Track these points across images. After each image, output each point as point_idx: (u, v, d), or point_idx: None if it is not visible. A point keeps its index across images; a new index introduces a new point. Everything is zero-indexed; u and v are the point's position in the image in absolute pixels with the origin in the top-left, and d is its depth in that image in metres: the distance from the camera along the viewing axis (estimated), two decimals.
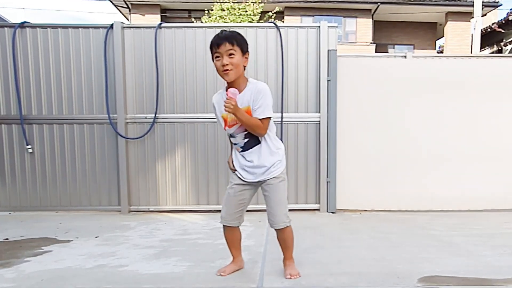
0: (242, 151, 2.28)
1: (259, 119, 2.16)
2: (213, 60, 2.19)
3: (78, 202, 4.36)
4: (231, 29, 2.22)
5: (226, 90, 2.18)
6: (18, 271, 2.52)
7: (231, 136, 2.30)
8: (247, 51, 2.21)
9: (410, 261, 2.66)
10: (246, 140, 2.24)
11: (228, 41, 2.11)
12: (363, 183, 4.35)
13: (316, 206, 4.36)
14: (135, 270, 2.52)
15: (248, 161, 2.27)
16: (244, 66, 2.20)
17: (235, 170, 2.34)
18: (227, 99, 2.10)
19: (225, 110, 2.12)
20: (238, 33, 2.18)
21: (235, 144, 2.31)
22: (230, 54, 2.12)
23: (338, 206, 4.33)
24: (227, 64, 2.11)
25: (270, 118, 2.21)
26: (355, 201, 4.37)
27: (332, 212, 4.29)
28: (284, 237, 2.36)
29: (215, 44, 2.13)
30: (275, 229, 2.34)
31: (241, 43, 2.16)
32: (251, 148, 2.25)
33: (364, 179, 4.35)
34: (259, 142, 2.25)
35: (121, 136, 4.25)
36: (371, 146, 4.34)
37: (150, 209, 4.37)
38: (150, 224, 3.82)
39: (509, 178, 4.38)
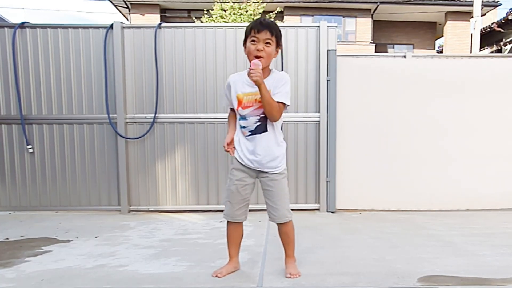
0: (249, 135, 2.27)
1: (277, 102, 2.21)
2: (245, 43, 2.25)
3: (77, 202, 4.36)
4: (270, 19, 2.28)
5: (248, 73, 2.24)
6: (18, 271, 2.53)
7: (242, 118, 2.29)
8: (281, 45, 2.29)
9: (410, 261, 2.66)
10: (258, 124, 2.25)
11: (269, 29, 2.17)
12: (363, 182, 4.35)
13: (315, 206, 4.37)
14: (135, 270, 2.52)
15: (252, 145, 2.27)
16: (273, 58, 2.27)
17: (233, 152, 2.33)
18: (251, 69, 2.11)
19: (252, 80, 2.11)
20: (277, 25, 2.26)
21: (243, 127, 2.30)
22: (267, 43, 2.18)
23: (338, 206, 4.34)
24: (261, 50, 2.16)
25: (285, 105, 2.24)
26: (355, 201, 4.37)
27: (332, 212, 4.29)
28: (286, 231, 2.37)
29: (256, 29, 2.17)
30: (278, 224, 2.35)
31: (278, 36, 2.24)
32: (260, 133, 2.26)
33: (364, 179, 4.35)
34: (266, 130, 2.27)
35: (121, 136, 4.25)
36: (371, 146, 4.34)
37: (150, 209, 4.37)
38: (150, 224, 3.82)
39: (508, 178, 4.39)
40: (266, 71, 2.26)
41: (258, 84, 2.12)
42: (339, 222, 3.87)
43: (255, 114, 2.24)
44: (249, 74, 2.15)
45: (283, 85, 2.23)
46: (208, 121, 4.30)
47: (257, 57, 2.17)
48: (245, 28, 2.26)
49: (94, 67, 4.26)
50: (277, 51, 2.27)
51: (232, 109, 2.40)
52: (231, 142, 2.36)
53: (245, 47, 2.26)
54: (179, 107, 4.31)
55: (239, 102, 2.27)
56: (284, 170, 2.35)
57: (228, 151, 2.35)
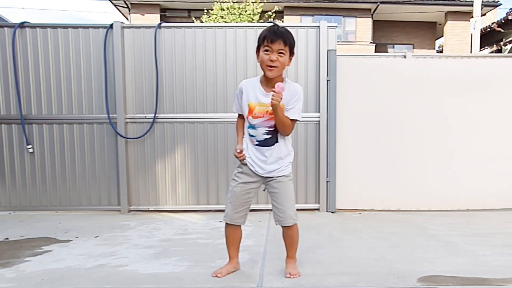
0: (257, 145, 2.28)
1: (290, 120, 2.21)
2: (258, 51, 2.22)
3: (77, 202, 4.36)
4: (283, 27, 2.24)
5: (261, 81, 2.25)
6: (18, 271, 2.53)
7: (251, 127, 2.28)
8: (294, 53, 2.25)
9: (410, 260, 2.66)
10: (267, 136, 2.25)
11: (283, 39, 2.14)
12: (363, 182, 4.35)
13: (315, 205, 4.37)
14: (135, 270, 2.52)
15: (262, 155, 2.27)
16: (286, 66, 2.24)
17: (244, 159, 2.31)
18: (276, 92, 2.11)
19: (272, 104, 2.12)
20: (291, 34, 2.21)
21: (251, 136, 2.29)
22: (280, 53, 2.15)
23: (338, 206, 4.34)
24: (275, 61, 2.14)
25: (297, 121, 2.25)
26: (355, 201, 4.37)
27: (332, 212, 4.29)
28: (291, 234, 2.38)
29: (269, 39, 2.13)
30: (283, 226, 2.35)
31: (292, 45, 2.21)
32: (269, 146, 2.26)
33: (364, 179, 4.35)
34: (277, 141, 2.27)
35: (121, 136, 4.25)
36: (371, 146, 4.34)
37: (150, 209, 4.37)
38: (150, 224, 3.82)
39: (508, 178, 4.39)
40: (279, 80, 2.24)
41: (275, 108, 2.12)
42: (339, 222, 3.87)
43: (265, 126, 2.24)
44: (271, 89, 2.15)
45: (297, 100, 2.23)
46: (208, 121, 4.30)
47: (270, 67, 2.15)
48: (259, 35, 2.21)
49: (94, 67, 4.26)
50: (291, 59, 2.25)
51: (240, 115, 2.39)
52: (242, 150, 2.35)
53: (257, 55, 2.23)
54: (179, 107, 4.31)
55: (250, 111, 2.25)
56: (289, 173, 2.36)
57: (242, 158, 2.32)
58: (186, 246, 3.07)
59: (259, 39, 2.20)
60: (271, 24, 2.21)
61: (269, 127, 2.23)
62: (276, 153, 2.28)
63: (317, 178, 4.34)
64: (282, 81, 2.24)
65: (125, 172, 4.27)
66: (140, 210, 4.38)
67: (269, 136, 2.25)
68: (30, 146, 4.26)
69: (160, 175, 4.36)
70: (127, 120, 4.28)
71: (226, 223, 2.40)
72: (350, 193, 4.36)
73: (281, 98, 2.12)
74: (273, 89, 2.12)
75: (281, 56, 2.15)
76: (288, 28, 2.23)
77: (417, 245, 3.04)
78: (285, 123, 2.19)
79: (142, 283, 2.31)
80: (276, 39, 2.12)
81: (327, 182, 4.29)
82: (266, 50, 2.15)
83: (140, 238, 3.32)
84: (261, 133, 2.25)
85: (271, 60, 2.14)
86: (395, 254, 2.80)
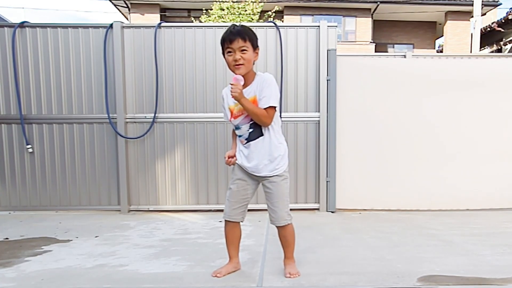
0: (246, 142, 2.29)
1: (265, 109, 2.20)
2: (223, 55, 2.23)
3: (77, 201, 4.36)
4: (241, 24, 2.27)
5: None
6: (18, 270, 2.53)
7: (236, 128, 2.32)
8: (258, 46, 2.26)
9: (410, 260, 2.66)
10: (250, 130, 2.26)
11: (241, 37, 2.15)
12: (363, 182, 4.35)
13: (315, 205, 4.37)
14: (135, 270, 2.52)
15: (251, 151, 2.28)
16: (254, 61, 2.25)
17: (235, 160, 2.34)
18: (232, 84, 2.14)
19: (232, 96, 2.15)
20: (249, 29, 2.22)
21: (239, 136, 2.32)
22: (243, 50, 2.17)
23: (338, 206, 4.34)
24: (239, 59, 2.16)
25: (275, 107, 2.23)
26: (355, 201, 4.37)
27: (332, 212, 4.29)
28: (285, 234, 2.37)
29: (228, 40, 2.16)
30: (276, 226, 2.36)
31: (253, 39, 2.21)
32: (255, 139, 2.27)
33: (364, 179, 4.35)
34: (262, 134, 2.27)
35: (121, 135, 4.25)
36: (371, 146, 4.34)
37: (150, 209, 4.38)
38: (150, 224, 3.82)
39: (508, 177, 4.39)
40: (251, 76, 2.25)
41: (238, 99, 2.15)
42: (339, 222, 3.87)
43: (246, 122, 2.26)
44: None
45: (266, 87, 2.21)
46: (208, 120, 4.30)
47: (236, 65, 2.17)
48: (220, 39, 2.23)
49: (94, 66, 4.26)
50: (257, 53, 2.26)
51: None
52: (233, 156, 2.37)
53: (225, 59, 2.25)
54: (179, 106, 4.31)
55: (231, 113, 2.30)
56: (284, 172, 2.33)
57: (229, 163, 2.35)
58: (186, 246, 3.07)
59: (220, 43, 2.23)
60: (231, 24, 2.23)
61: (250, 121, 2.25)
62: (260, 147, 2.27)
63: (317, 178, 4.34)
64: (254, 75, 2.26)
65: (125, 172, 4.27)
66: (140, 210, 4.38)
67: (252, 129, 2.26)
68: (29, 146, 4.26)
69: (160, 175, 4.36)
70: (127, 120, 4.28)
71: (225, 220, 2.41)
72: (350, 193, 4.36)
73: (240, 89, 2.14)
74: (231, 83, 2.15)
75: (244, 53, 2.17)
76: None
77: (417, 245, 3.04)
78: (258, 114, 2.18)
79: (142, 283, 2.31)
80: (234, 38, 2.14)
81: (327, 182, 4.29)
82: (229, 52, 2.18)
83: (140, 238, 3.32)
84: (246, 130, 2.27)
85: (235, 60, 2.16)
86: (395, 254, 2.80)
